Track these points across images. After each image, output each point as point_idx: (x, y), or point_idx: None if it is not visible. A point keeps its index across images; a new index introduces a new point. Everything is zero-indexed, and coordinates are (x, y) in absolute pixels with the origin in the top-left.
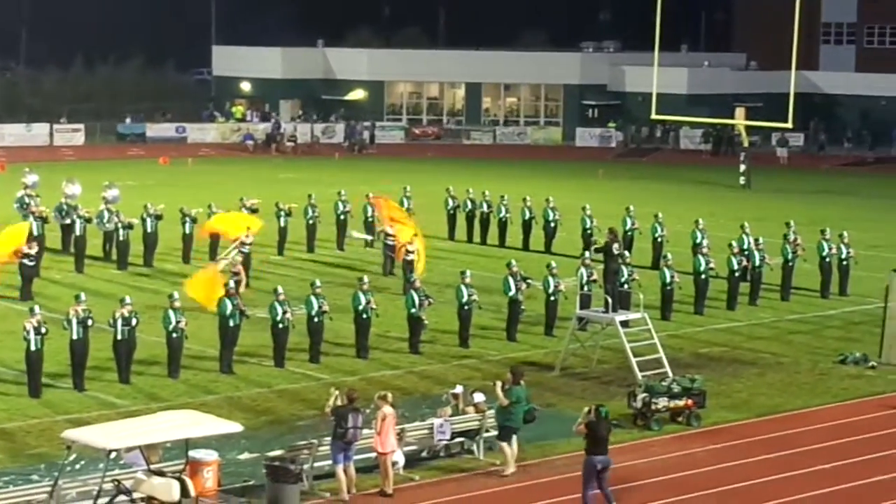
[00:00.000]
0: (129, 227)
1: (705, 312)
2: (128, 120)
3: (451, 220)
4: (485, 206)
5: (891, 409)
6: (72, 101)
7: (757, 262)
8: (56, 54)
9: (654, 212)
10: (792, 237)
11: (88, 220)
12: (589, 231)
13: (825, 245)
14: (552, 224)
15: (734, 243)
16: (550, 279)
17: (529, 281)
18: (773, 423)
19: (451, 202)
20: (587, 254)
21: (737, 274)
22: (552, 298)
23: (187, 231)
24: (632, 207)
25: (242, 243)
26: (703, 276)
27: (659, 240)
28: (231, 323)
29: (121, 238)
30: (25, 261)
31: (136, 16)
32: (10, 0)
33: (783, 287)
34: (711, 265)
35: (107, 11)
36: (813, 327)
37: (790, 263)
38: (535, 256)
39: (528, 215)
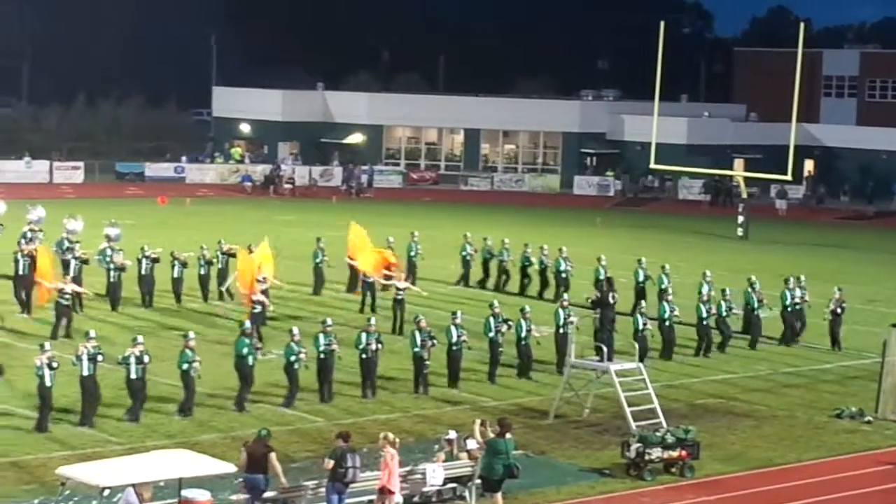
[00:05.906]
0: (122, 269)
1: (704, 363)
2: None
3: (466, 265)
4: (505, 254)
5: (885, 464)
6: (72, 139)
7: (755, 310)
8: (58, 92)
9: (660, 262)
10: (795, 290)
11: (85, 262)
12: (601, 282)
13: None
14: (562, 275)
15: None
16: (523, 322)
17: (510, 323)
18: (767, 476)
19: (468, 248)
20: (565, 296)
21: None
22: (524, 343)
23: (176, 275)
24: (644, 259)
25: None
26: (704, 323)
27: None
28: (250, 362)
29: (111, 279)
30: (61, 299)
31: (138, 55)
32: (13, 37)
33: (783, 338)
34: (714, 313)
35: (109, 50)
36: (809, 381)
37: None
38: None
39: (542, 264)
